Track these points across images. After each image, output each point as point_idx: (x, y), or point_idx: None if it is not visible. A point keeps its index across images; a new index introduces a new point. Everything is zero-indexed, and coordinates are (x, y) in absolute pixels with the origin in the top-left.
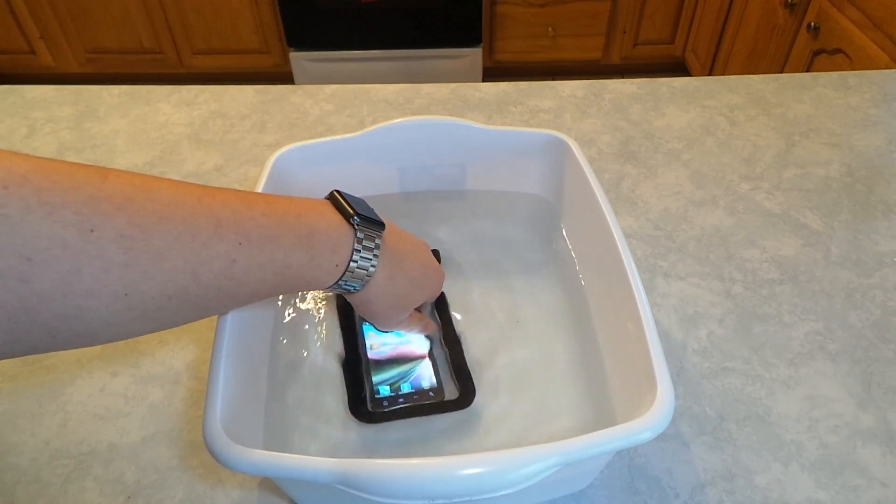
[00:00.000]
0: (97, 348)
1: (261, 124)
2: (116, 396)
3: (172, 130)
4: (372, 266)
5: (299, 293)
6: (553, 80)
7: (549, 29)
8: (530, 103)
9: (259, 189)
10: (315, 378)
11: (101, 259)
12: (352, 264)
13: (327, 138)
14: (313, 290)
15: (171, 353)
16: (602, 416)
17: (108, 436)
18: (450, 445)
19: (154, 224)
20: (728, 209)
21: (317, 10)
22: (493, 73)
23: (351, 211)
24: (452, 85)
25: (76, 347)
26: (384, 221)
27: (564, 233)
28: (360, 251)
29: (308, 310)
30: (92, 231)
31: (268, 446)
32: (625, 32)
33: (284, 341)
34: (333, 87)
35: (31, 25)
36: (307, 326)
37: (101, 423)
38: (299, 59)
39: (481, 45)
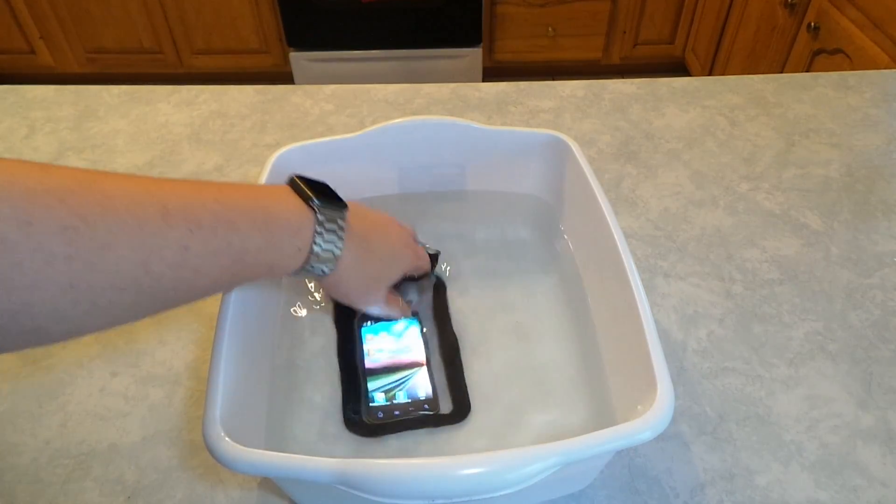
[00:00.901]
0: (97, 348)
1: (261, 124)
2: (116, 396)
3: (172, 130)
4: (337, 248)
5: (304, 290)
6: (553, 80)
7: (549, 29)
8: (530, 103)
9: None
10: (316, 378)
11: (41, 252)
12: (315, 248)
13: (327, 138)
14: (279, 276)
15: (171, 353)
16: (602, 416)
17: (108, 436)
18: (447, 444)
19: (97, 214)
20: (728, 209)
21: (317, 9)
22: (493, 73)
23: (310, 194)
24: (452, 85)
25: (30, 345)
26: (346, 202)
27: (564, 233)
28: (322, 234)
29: (309, 309)
30: (31, 224)
31: (268, 446)
32: (625, 32)
33: (285, 341)
34: (333, 87)
35: (31, 25)
36: (308, 326)
37: (101, 423)
38: (299, 59)
39: (481, 45)
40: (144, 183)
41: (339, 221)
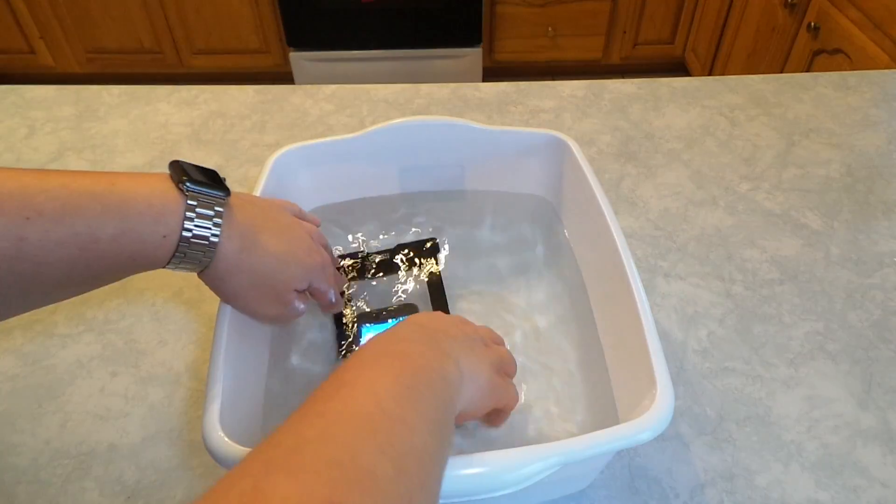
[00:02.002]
0: (97, 348)
1: (261, 124)
2: (116, 396)
3: (172, 130)
4: (213, 236)
5: None
6: (553, 80)
7: (549, 29)
8: (530, 103)
9: (258, 190)
10: (315, 378)
11: None
12: (185, 233)
13: (327, 138)
14: (149, 267)
15: (171, 353)
16: (603, 416)
17: (108, 436)
18: None
19: None
20: (728, 209)
21: (317, 10)
22: (493, 73)
23: (183, 176)
24: (452, 85)
25: None
26: (230, 189)
27: (565, 233)
28: (193, 219)
29: (310, 307)
30: None
31: None
32: (625, 32)
33: (284, 340)
34: (333, 87)
35: (31, 25)
36: (309, 325)
37: (101, 423)
38: (299, 59)
39: (481, 45)
40: None
41: (216, 207)
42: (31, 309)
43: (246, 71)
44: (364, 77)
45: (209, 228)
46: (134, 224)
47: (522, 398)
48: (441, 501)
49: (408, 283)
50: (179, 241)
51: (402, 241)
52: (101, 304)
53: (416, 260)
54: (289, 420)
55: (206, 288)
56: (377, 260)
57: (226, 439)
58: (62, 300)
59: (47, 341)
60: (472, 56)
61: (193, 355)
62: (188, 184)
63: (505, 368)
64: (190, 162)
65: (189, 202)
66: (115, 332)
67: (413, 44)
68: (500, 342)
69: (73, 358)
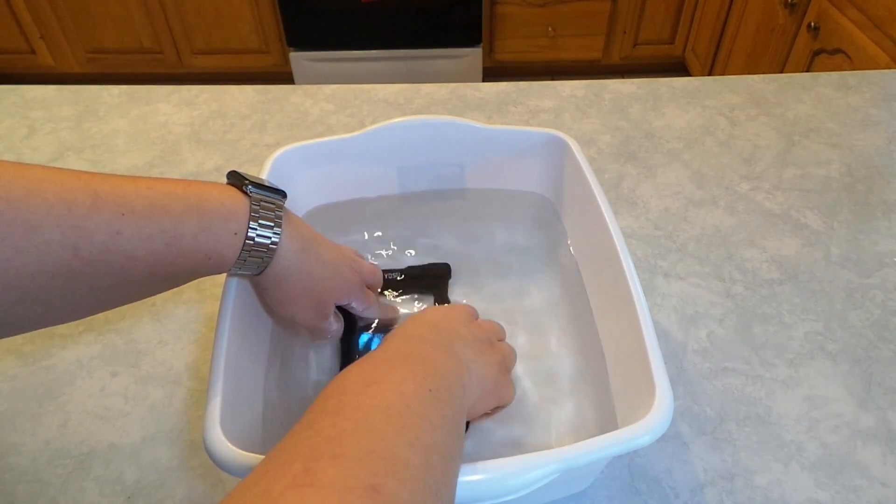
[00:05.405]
0: (97, 348)
1: (261, 124)
2: (116, 396)
3: (172, 130)
4: (275, 235)
5: None
6: (553, 80)
7: (549, 29)
8: (530, 103)
9: None
10: (316, 380)
11: None
12: (250, 232)
13: (327, 138)
14: (219, 267)
15: (171, 353)
16: (602, 418)
17: (108, 436)
18: None
19: (22, 197)
20: (728, 209)
21: (317, 10)
22: (493, 73)
23: (246, 181)
24: (452, 85)
25: None
26: (286, 193)
27: (564, 232)
28: (257, 218)
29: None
30: None
31: (267, 448)
32: (625, 32)
33: (284, 342)
34: (333, 87)
35: (31, 25)
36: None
37: (101, 423)
38: (299, 59)
39: (481, 45)
40: (77, 173)
41: (277, 211)
42: (112, 307)
43: (246, 71)
44: (364, 77)
45: (271, 228)
46: (210, 222)
47: (528, 395)
48: None
49: (414, 308)
50: (245, 239)
51: (413, 264)
52: None
53: (427, 283)
54: (322, 408)
55: (206, 288)
56: (395, 278)
57: (227, 443)
58: (139, 300)
59: (47, 341)
60: (472, 56)
61: (193, 355)
62: (250, 187)
63: (507, 366)
64: (242, 172)
65: (253, 204)
66: (115, 332)
67: (413, 44)
68: (503, 336)
69: (73, 358)
